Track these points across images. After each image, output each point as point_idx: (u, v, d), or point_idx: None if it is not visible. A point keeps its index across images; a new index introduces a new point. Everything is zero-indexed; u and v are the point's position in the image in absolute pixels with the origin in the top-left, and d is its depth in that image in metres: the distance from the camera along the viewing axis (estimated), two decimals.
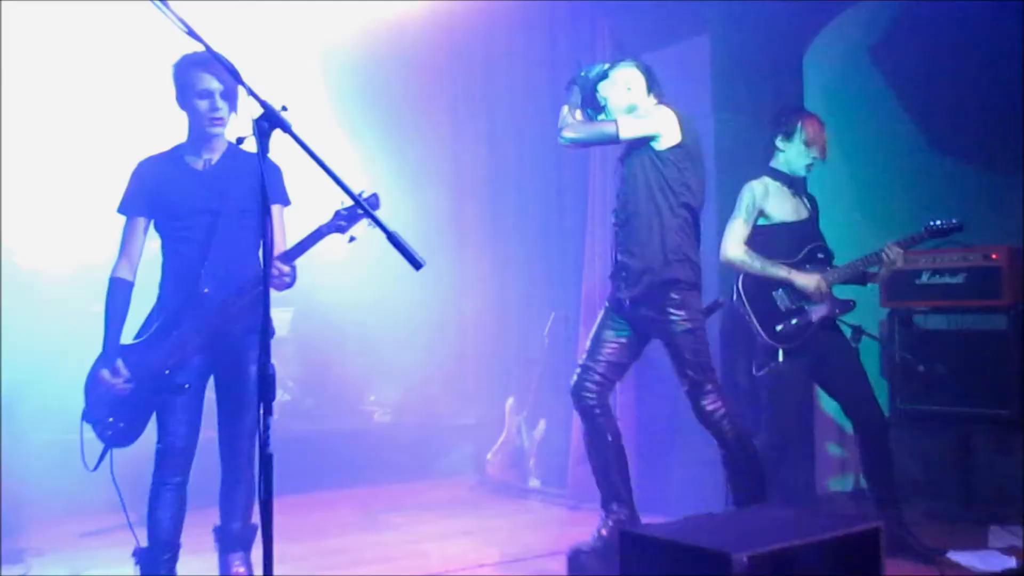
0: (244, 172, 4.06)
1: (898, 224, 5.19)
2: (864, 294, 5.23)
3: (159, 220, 4.11)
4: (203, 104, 3.99)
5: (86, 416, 4.03)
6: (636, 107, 4.62)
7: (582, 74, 4.69)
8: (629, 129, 4.46)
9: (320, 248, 3.93)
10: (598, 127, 4.54)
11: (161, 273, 4.13)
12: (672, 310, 4.46)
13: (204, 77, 3.96)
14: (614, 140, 4.51)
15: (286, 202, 4.19)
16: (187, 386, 3.97)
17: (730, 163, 5.79)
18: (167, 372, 3.95)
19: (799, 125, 5.07)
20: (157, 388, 3.96)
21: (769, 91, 6.03)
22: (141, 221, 4.09)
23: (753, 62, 6.02)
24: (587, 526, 4.82)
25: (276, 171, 4.15)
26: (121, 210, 4.10)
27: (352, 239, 3.84)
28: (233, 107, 4.05)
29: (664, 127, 4.47)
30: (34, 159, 6.34)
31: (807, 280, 4.96)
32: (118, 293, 4.03)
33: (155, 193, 4.06)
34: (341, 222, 3.87)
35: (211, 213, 4.02)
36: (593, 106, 4.70)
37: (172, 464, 4.01)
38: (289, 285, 3.90)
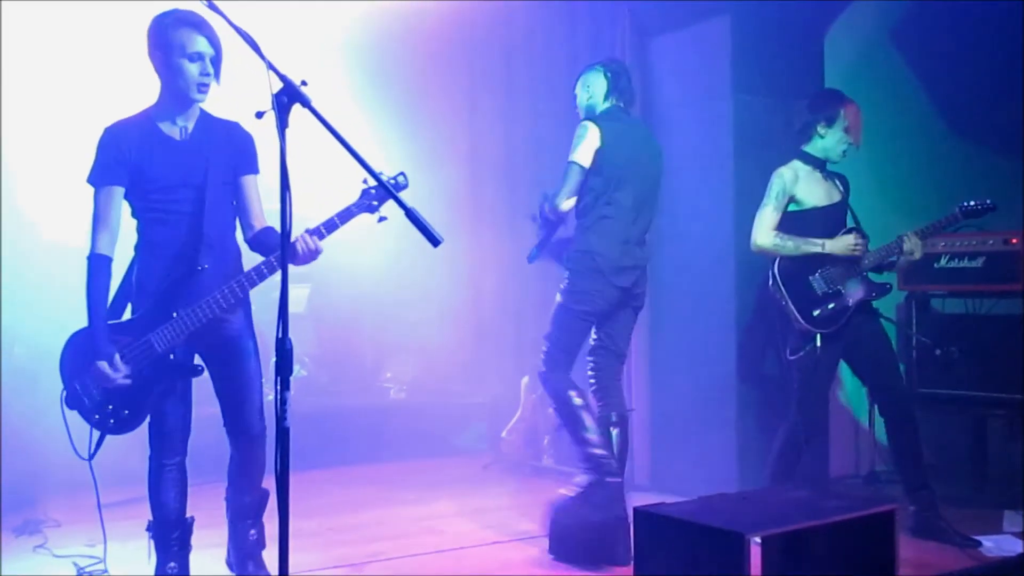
0: (221, 142, 3.87)
1: (917, 209, 5.17)
2: (882, 277, 5.21)
3: (134, 191, 3.80)
4: (193, 68, 3.69)
5: (72, 404, 3.84)
6: (594, 106, 4.98)
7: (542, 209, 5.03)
8: (565, 200, 4.84)
9: None
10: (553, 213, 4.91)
11: (139, 246, 3.89)
12: (561, 288, 4.93)
13: (197, 39, 3.67)
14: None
15: (257, 171, 3.98)
16: (200, 368, 3.85)
17: (748, 144, 5.78)
18: (171, 356, 3.75)
19: (841, 112, 5.04)
20: (165, 371, 3.76)
21: (789, 73, 6.01)
22: (117, 191, 3.76)
23: (773, 44, 5.99)
24: None
25: (249, 140, 3.96)
26: (94, 181, 3.77)
27: (382, 219, 3.67)
28: (217, 75, 3.77)
29: (591, 147, 4.80)
30: (58, 130, 6.31)
31: (842, 243, 4.95)
32: (102, 270, 3.74)
33: (130, 162, 3.75)
34: (373, 201, 3.69)
35: (194, 186, 3.79)
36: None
37: (172, 445, 3.90)
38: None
